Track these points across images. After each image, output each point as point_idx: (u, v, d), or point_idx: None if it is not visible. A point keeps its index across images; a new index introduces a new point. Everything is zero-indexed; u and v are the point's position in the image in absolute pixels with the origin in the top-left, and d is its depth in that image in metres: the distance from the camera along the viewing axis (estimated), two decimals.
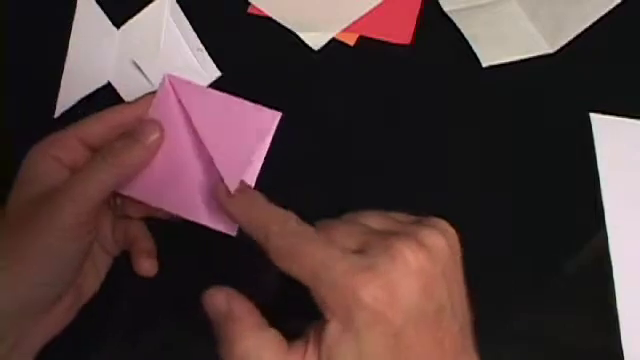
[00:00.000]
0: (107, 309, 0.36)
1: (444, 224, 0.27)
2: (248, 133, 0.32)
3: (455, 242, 0.27)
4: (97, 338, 0.37)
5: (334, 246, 0.25)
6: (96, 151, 0.32)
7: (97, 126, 0.33)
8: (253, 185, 0.31)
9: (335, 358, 0.24)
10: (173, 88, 0.33)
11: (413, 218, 0.28)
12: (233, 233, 0.31)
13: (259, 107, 0.33)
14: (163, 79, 0.33)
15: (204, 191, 0.32)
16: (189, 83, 0.33)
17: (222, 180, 0.30)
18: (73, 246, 0.30)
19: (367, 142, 0.42)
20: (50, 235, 0.29)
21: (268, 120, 0.32)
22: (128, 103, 0.34)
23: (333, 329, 0.24)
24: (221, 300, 0.27)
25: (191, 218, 0.32)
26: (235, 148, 0.32)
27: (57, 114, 0.45)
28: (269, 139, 0.32)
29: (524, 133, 0.42)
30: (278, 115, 0.32)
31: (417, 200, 0.33)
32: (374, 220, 0.28)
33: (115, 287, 0.35)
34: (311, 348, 0.25)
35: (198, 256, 0.38)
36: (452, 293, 0.26)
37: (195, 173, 0.32)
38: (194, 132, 0.32)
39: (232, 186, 0.30)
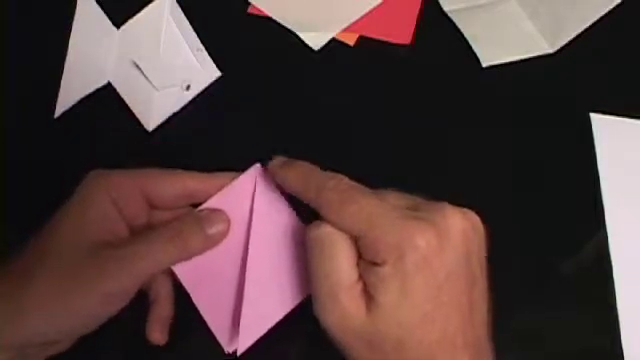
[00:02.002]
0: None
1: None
2: (300, 269, 0.30)
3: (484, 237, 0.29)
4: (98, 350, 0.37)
5: (387, 201, 0.28)
6: (154, 208, 0.31)
7: (166, 185, 0.32)
8: (282, 316, 0.31)
9: (380, 294, 0.26)
10: (256, 182, 0.31)
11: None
12: (231, 351, 0.30)
13: None
14: (252, 167, 0.32)
15: (232, 301, 0.30)
16: (274, 186, 0.31)
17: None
18: (108, 310, 0.29)
19: (367, 142, 0.42)
20: (90, 298, 0.28)
21: None
22: (205, 174, 0.32)
23: (381, 270, 0.26)
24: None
25: (205, 317, 0.31)
26: (283, 275, 0.30)
27: (57, 114, 0.45)
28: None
29: (524, 133, 0.42)
30: None
31: None
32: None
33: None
34: (364, 271, 0.27)
35: None
36: (483, 273, 0.28)
37: (233, 278, 0.31)
38: (250, 235, 0.31)
39: (260, 311, 0.29)
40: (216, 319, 0.30)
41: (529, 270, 0.37)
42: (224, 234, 0.31)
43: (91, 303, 0.28)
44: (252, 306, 0.30)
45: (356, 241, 0.27)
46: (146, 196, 0.31)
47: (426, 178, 0.40)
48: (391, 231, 0.26)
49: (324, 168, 0.39)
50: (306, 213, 0.30)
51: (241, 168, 0.42)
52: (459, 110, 0.43)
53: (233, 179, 0.32)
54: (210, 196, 0.31)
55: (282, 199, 0.32)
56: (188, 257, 0.30)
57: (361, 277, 0.27)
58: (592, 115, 0.41)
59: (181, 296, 0.32)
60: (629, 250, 0.37)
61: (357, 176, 0.41)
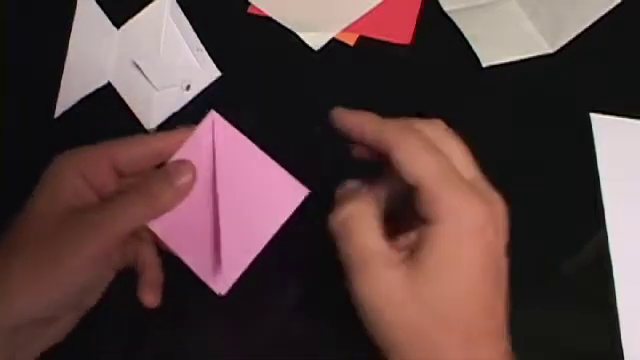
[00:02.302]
0: (105, 317, 0.36)
1: None
2: (272, 199, 0.32)
3: None
4: (95, 345, 0.37)
5: (456, 166, 0.28)
6: (122, 177, 0.32)
7: (131, 151, 0.32)
8: (262, 247, 0.31)
9: (426, 253, 0.25)
10: (213, 128, 0.32)
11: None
12: (222, 292, 0.31)
13: (291, 179, 0.32)
14: (207, 116, 0.32)
15: (210, 242, 0.31)
16: (231, 128, 0.32)
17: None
18: (92, 274, 0.30)
19: None
20: (71, 264, 0.28)
21: (295, 194, 0.32)
22: (164, 133, 0.33)
23: (434, 228, 0.26)
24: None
25: (191, 266, 0.31)
26: (254, 209, 0.31)
27: (57, 114, 0.45)
28: (289, 212, 0.32)
29: (524, 133, 0.42)
30: (305, 192, 0.32)
31: None
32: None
33: (114, 296, 0.34)
34: (401, 246, 0.27)
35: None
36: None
37: (207, 221, 0.31)
38: (216, 179, 0.31)
39: (239, 246, 0.30)
40: (201, 265, 0.31)
41: (529, 270, 0.37)
42: (191, 183, 0.31)
43: (73, 268, 0.28)
44: (231, 243, 0.31)
45: (416, 198, 0.27)
46: (114, 165, 0.32)
47: None
48: (456, 193, 0.26)
49: (324, 168, 0.40)
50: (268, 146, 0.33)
51: None
52: (459, 110, 0.43)
53: (192, 131, 0.33)
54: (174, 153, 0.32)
55: (241, 137, 0.33)
56: (161, 212, 0.31)
57: (395, 246, 0.27)
58: (592, 115, 0.41)
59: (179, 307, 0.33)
60: (629, 250, 0.37)
61: (357, 176, 0.41)
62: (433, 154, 0.27)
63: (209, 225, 0.31)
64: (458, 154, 0.29)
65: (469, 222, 0.26)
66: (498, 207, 0.28)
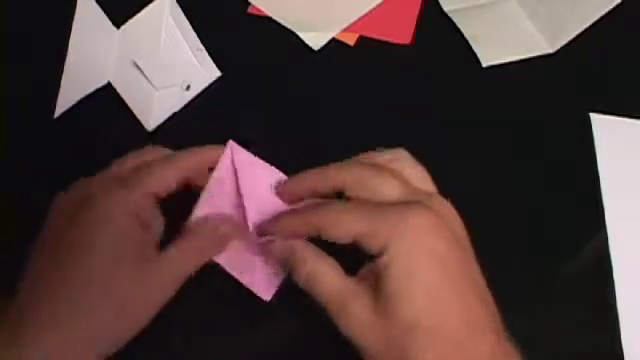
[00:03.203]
0: None
1: None
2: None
3: None
4: None
5: (381, 192, 0.30)
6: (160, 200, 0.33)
7: (168, 180, 0.33)
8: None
9: (386, 284, 0.27)
10: (233, 157, 0.35)
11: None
12: (267, 298, 0.33)
13: None
14: (227, 146, 0.35)
15: (254, 255, 0.34)
16: (250, 155, 0.35)
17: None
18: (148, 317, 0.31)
19: (367, 142, 0.42)
20: (142, 312, 0.30)
21: None
22: (194, 154, 0.35)
23: (384, 258, 0.27)
24: (281, 244, 0.31)
25: (236, 276, 0.34)
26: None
27: (57, 114, 0.45)
28: None
29: (524, 133, 0.42)
30: None
31: None
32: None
33: None
34: (364, 277, 0.29)
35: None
36: (467, 240, 0.30)
37: (247, 237, 0.34)
38: (244, 203, 0.34)
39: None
40: (247, 276, 0.34)
41: (529, 270, 0.37)
42: (234, 231, 0.34)
43: (144, 316, 0.30)
44: (267, 254, 0.33)
45: (360, 243, 0.28)
46: (156, 196, 0.33)
47: None
48: (388, 217, 0.28)
49: None
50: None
51: None
52: (459, 110, 0.43)
53: (217, 150, 0.35)
54: (203, 171, 0.35)
55: (260, 161, 0.35)
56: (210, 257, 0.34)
57: (366, 283, 0.28)
58: (592, 115, 0.41)
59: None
60: (629, 250, 0.37)
61: None
62: (345, 211, 0.29)
63: (250, 240, 0.34)
64: (407, 169, 0.32)
65: (410, 235, 0.27)
66: (441, 208, 0.29)
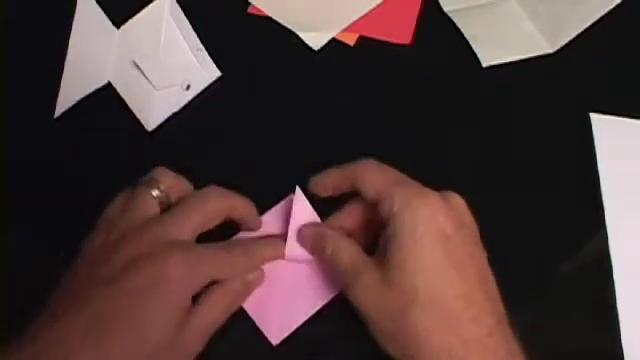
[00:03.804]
0: None
1: None
2: (329, 271, 0.36)
3: None
4: None
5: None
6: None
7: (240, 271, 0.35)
8: (315, 310, 0.36)
9: (392, 251, 0.30)
10: (293, 204, 0.36)
11: None
12: (275, 342, 0.35)
13: None
14: (296, 193, 0.37)
15: (272, 298, 0.36)
16: (311, 209, 0.36)
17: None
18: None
19: (367, 142, 0.42)
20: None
21: None
22: (265, 245, 0.36)
23: (392, 224, 0.30)
24: (311, 228, 0.35)
25: (250, 314, 0.36)
26: (314, 276, 0.36)
27: (57, 114, 0.45)
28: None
29: (524, 133, 0.42)
30: None
31: None
32: None
33: None
34: (378, 253, 0.31)
35: None
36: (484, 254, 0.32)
37: (272, 280, 0.36)
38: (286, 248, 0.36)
39: (295, 305, 0.36)
40: (261, 317, 0.36)
41: (529, 270, 0.37)
42: (262, 278, 0.36)
43: None
44: (289, 302, 0.36)
45: (378, 205, 0.31)
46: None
47: (426, 178, 0.40)
48: (408, 188, 0.31)
49: (325, 168, 0.40)
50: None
51: (240, 168, 0.42)
52: (459, 110, 0.43)
53: (278, 249, 0.36)
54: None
55: (317, 217, 0.37)
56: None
57: (377, 258, 0.31)
58: (592, 115, 0.41)
59: None
60: (629, 250, 0.37)
61: None
62: (384, 169, 0.33)
63: (274, 283, 0.36)
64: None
65: (421, 210, 0.30)
66: (454, 199, 0.32)
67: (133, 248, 0.31)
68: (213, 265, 0.33)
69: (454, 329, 0.28)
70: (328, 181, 0.35)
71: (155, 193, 0.34)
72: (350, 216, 0.35)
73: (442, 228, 0.30)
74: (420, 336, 0.28)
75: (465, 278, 0.29)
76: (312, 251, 0.35)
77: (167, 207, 0.35)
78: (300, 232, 0.35)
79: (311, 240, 0.35)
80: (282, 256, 0.36)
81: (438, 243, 0.29)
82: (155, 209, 0.34)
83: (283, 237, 0.36)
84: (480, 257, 0.31)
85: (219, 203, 0.34)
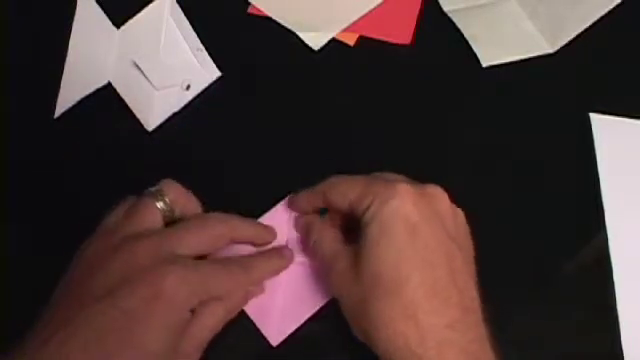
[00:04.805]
0: None
1: None
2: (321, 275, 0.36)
3: None
4: None
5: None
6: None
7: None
8: (314, 311, 0.36)
9: (363, 239, 0.31)
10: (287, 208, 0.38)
11: None
12: (275, 343, 0.35)
13: None
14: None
15: (272, 300, 0.36)
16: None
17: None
18: None
19: (367, 142, 0.42)
20: None
21: None
22: (264, 264, 0.36)
23: (366, 215, 0.31)
24: (301, 219, 0.37)
25: (251, 315, 0.36)
26: (315, 277, 0.37)
27: (57, 114, 0.45)
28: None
29: (524, 133, 0.42)
30: None
31: None
32: None
33: None
34: (356, 242, 0.32)
35: None
36: (466, 247, 0.32)
37: (272, 282, 0.36)
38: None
39: (295, 308, 0.36)
40: (261, 319, 0.36)
41: (529, 270, 0.37)
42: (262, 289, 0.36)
43: None
44: (289, 305, 0.36)
45: (354, 210, 0.32)
46: None
47: (426, 178, 0.40)
48: (376, 185, 0.32)
49: (325, 168, 0.40)
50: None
51: (240, 167, 0.42)
52: (459, 110, 0.43)
53: (283, 262, 0.37)
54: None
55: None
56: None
57: (353, 246, 0.32)
58: (592, 115, 0.41)
59: None
60: (629, 250, 0.37)
61: (357, 175, 0.41)
62: (350, 180, 0.34)
63: (273, 284, 0.36)
64: None
65: (392, 202, 0.30)
66: (429, 189, 0.32)
67: (131, 257, 0.31)
68: (212, 283, 0.32)
69: (412, 318, 0.28)
70: (302, 204, 0.37)
71: (160, 205, 0.34)
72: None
73: (408, 216, 0.30)
74: (380, 323, 0.29)
75: (431, 271, 0.29)
76: (303, 240, 0.37)
77: (171, 221, 0.34)
78: (297, 222, 0.37)
79: (301, 230, 0.37)
80: (282, 270, 0.36)
81: (404, 231, 0.30)
82: (158, 221, 0.34)
83: (282, 240, 0.37)
84: (451, 246, 0.31)
85: (221, 229, 0.34)
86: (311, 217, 0.36)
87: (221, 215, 0.35)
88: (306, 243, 0.36)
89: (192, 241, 0.33)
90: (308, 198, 0.36)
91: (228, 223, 0.34)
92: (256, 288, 0.36)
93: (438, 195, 0.32)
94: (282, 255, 0.36)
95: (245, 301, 0.35)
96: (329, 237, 0.34)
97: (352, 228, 0.35)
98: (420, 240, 0.30)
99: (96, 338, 0.29)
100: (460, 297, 0.29)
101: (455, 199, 0.33)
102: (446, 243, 0.31)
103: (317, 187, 0.35)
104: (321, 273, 0.36)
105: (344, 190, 0.33)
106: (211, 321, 0.32)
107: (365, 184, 0.32)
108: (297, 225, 0.37)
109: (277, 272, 0.36)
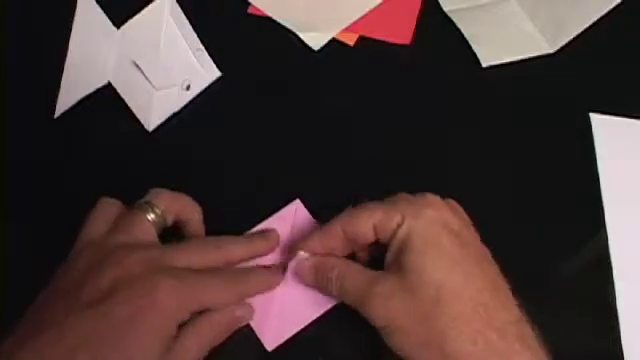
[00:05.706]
0: None
1: None
2: None
3: None
4: None
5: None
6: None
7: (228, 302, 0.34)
8: (313, 319, 0.35)
9: (406, 253, 0.30)
10: (295, 215, 0.38)
11: None
12: (270, 349, 0.35)
13: None
14: (292, 203, 0.38)
15: (270, 305, 0.35)
16: (311, 218, 0.38)
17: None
18: None
19: (367, 142, 0.42)
20: None
21: None
22: (255, 276, 0.35)
23: (403, 227, 0.30)
24: (312, 259, 0.34)
25: (252, 325, 0.35)
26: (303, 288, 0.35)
27: (57, 114, 0.45)
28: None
29: (524, 133, 0.41)
30: None
31: None
32: None
33: None
34: (388, 266, 0.31)
35: None
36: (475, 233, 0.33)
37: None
38: (284, 254, 0.37)
39: (293, 313, 0.35)
40: (258, 322, 0.35)
41: (529, 270, 0.37)
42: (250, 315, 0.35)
43: None
44: (287, 310, 0.35)
45: (380, 234, 0.31)
46: None
47: (426, 178, 0.40)
48: (400, 202, 0.32)
49: (324, 168, 0.40)
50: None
51: (240, 168, 0.42)
52: (459, 110, 0.43)
53: (275, 279, 0.36)
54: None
55: (314, 223, 0.38)
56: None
57: (390, 270, 0.31)
58: (592, 115, 0.41)
59: None
60: (629, 250, 0.37)
61: (357, 176, 0.41)
62: (366, 209, 0.32)
63: (272, 295, 0.36)
64: None
65: (429, 212, 0.30)
66: (452, 202, 0.32)
67: (124, 265, 0.30)
68: (204, 295, 0.32)
69: (484, 317, 0.28)
70: (314, 247, 0.34)
71: (151, 217, 0.33)
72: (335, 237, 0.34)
73: (450, 224, 0.30)
74: (454, 332, 0.28)
75: (485, 272, 0.30)
76: (315, 283, 0.34)
77: (165, 227, 0.35)
78: (300, 263, 0.34)
79: (313, 271, 0.34)
80: (275, 287, 0.36)
81: (452, 238, 0.30)
82: (151, 233, 0.33)
83: (283, 246, 0.37)
84: (483, 247, 0.32)
85: (215, 255, 0.34)
86: (322, 257, 0.34)
87: (216, 241, 0.35)
88: (320, 282, 0.33)
89: (187, 255, 0.33)
90: (321, 239, 0.34)
91: (222, 249, 0.34)
92: (246, 314, 0.34)
93: (460, 208, 0.33)
94: (276, 272, 0.35)
95: (233, 327, 0.34)
96: (355, 267, 0.32)
97: (362, 258, 0.35)
98: (467, 245, 0.30)
99: (82, 343, 0.28)
100: (512, 295, 0.30)
101: (455, 199, 0.33)
102: (481, 245, 0.32)
103: (329, 226, 0.33)
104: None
105: (365, 218, 0.32)
106: (196, 346, 0.31)
107: (385, 206, 0.32)
108: (304, 268, 0.34)
109: (270, 288, 0.35)
